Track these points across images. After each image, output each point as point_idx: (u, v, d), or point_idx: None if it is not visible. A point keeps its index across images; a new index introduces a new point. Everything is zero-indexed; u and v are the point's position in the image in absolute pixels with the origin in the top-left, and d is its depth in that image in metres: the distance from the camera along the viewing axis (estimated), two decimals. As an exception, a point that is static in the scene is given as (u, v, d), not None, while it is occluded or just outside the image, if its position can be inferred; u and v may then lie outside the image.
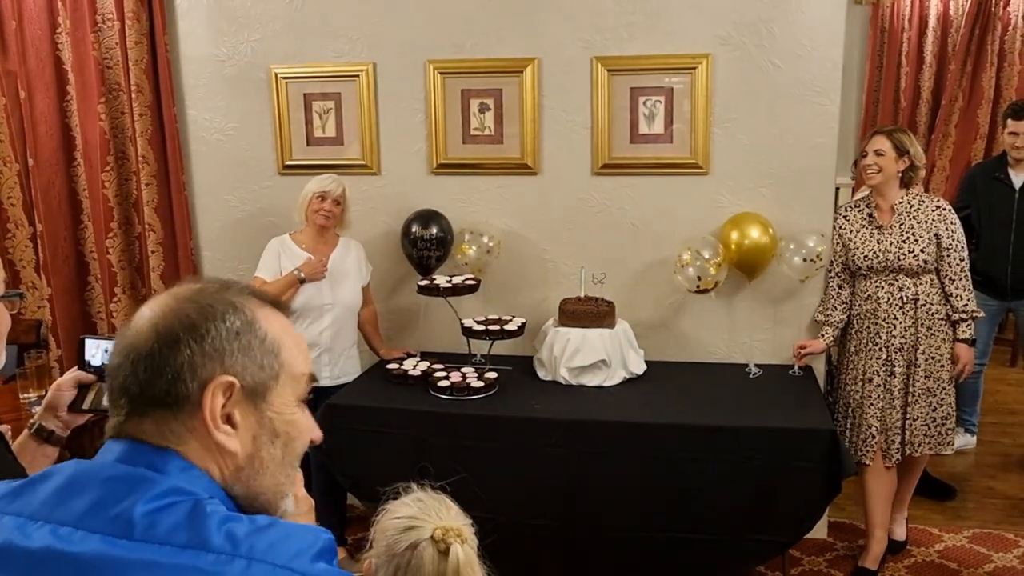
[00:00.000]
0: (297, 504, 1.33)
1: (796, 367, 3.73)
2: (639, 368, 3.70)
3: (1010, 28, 5.49)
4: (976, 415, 4.80)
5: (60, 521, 0.94)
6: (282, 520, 1.05)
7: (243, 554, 0.92)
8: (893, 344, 3.48)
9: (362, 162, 4.07)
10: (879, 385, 3.52)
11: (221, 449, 1.02)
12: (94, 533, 0.92)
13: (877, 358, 3.51)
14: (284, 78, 4.07)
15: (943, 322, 3.49)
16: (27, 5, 4.18)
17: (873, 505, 3.61)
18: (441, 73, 3.92)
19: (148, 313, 1.04)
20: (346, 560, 3.65)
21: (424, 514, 1.65)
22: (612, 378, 3.61)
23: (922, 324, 3.47)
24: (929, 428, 3.52)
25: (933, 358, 3.49)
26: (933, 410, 3.51)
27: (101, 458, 1.01)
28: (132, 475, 0.97)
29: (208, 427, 1.00)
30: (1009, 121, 4.21)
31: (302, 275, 3.56)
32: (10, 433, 1.66)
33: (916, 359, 3.48)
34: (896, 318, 3.48)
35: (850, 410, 3.60)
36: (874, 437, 3.53)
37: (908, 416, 3.51)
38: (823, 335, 3.68)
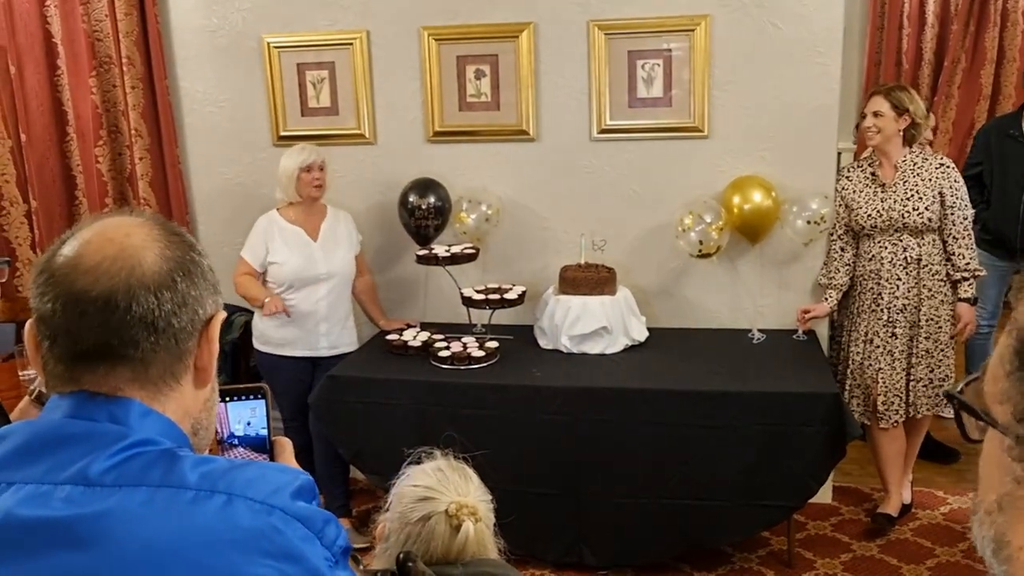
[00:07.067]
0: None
1: (800, 332, 3.69)
2: (641, 335, 3.67)
3: (1013, -14, 5.40)
4: None
5: (22, 483, 0.89)
6: (258, 460, 1.04)
7: (222, 490, 0.90)
8: (895, 305, 3.45)
9: (357, 131, 4.02)
10: (879, 346, 3.49)
11: (205, 380, 1.02)
12: (59, 490, 0.88)
13: (879, 319, 3.49)
14: (276, 47, 4.01)
15: (943, 283, 3.47)
16: (14, -22, 4.11)
17: (884, 465, 3.62)
18: (436, 40, 3.86)
19: (147, 247, 0.97)
20: (351, 532, 3.65)
21: (442, 486, 1.63)
22: (614, 345, 3.58)
23: (924, 285, 3.44)
24: (928, 389, 3.50)
25: (932, 319, 3.47)
26: (931, 371, 3.50)
27: (50, 415, 0.95)
28: (93, 431, 0.93)
29: (210, 363, 1.01)
30: None
31: (260, 306, 3.54)
32: None
33: (919, 320, 3.46)
34: (899, 278, 3.45)
35: (850, 372, 3.58)
36: (878, 399, 3.50)
37: (912, 377, 3.49)
38: (827, 298, 3.64)
